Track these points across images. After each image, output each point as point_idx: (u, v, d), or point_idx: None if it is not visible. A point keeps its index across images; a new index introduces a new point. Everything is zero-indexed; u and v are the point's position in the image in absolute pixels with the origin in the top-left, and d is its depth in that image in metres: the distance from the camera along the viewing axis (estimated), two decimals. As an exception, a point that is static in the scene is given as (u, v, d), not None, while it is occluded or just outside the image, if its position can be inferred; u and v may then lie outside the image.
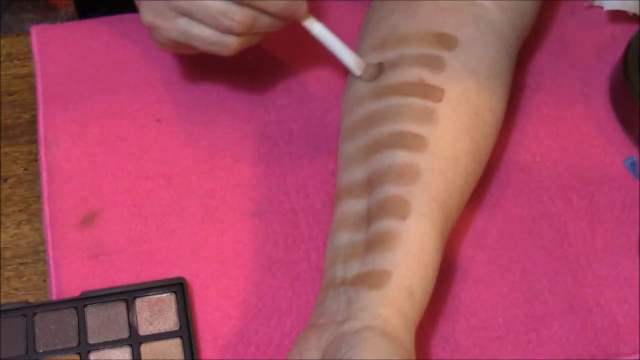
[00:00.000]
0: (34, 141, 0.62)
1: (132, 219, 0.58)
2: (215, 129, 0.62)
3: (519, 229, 0.59)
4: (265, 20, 0.52)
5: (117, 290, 0.54)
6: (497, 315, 0.56)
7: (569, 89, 0.65)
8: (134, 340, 0.53)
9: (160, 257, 0.57)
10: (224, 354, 0.54)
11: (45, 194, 0.59)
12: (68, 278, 0.56)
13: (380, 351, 0.44)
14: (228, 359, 0.54)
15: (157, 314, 0.54)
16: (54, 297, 0.55)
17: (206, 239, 0.58)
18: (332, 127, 0.62)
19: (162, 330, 0.54)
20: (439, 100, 0.52)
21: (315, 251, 0.58)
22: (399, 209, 0.50)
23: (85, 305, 0.54)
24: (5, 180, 0.60)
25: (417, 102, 0.52)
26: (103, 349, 0.53)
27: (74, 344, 0.53)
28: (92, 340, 0.53)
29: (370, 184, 0.52)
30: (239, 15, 0.50)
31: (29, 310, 0.53)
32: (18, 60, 0.65)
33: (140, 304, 0.54)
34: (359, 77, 0.55)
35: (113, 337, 0.53)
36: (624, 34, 0.67)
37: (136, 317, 0.54)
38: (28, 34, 0.66)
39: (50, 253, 0.57)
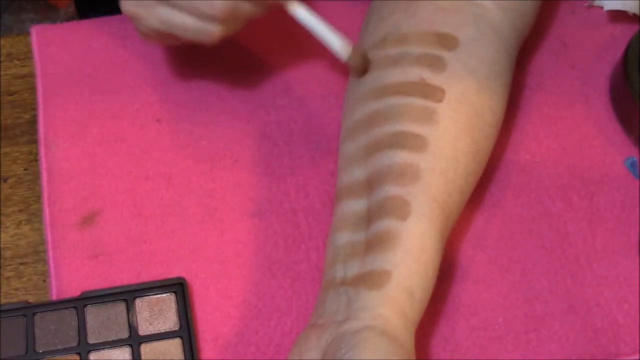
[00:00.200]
0: (34, 141, 0.62)
1: (132, 219, 0.58)
2: (215, 129, 0.62)
3: (519, 229, 0.59)
4: (246, 6, 0.51)
5: (117, 290, 0.54)
6: (497, 315, 0.56)
7: (569, 89, 0.65)
8: (134, 340, 0.53)
9: (160, 257, 0.57)
10: (224, 354, 0.54)
11: (45, 194, 0.59)
12: (68, 278, 0.56)
13: (380, 351, 0.44)
14: (228, 359, 0.54)
15: (157, 314, 0.54)
16: (54, 297, 0.55)
17: (206, 239, 0.58)
18: (332, 127, 0.62)
19: (162, 330, 0.54)
20: (440, 100, 0.52)
21: (315, 251, 0.58)
22: (399, 209, 0.50)
23: (85, 305, 0.54)
24: (5, 180, 0.60)
25: (418, 102, 0.52)
26: (103, 349, 0.53)
27: (74, 344, 0.53)
28: (92, 340, 0.53)
29: (371, 184, 0.52)
30: (219, 3, 0.50)
31: (29, 310, 0.53)
32: (18, 60, 0.65)
33: (140, 304, 0.54)
34: (346, 62, 0.54)
35: (113, 337, 0.53)
36: (624, 34, 0.67)
37: (136, 317, 0.54)
38: (28, 34, 0.66)
39: (50, 253, 0.57)
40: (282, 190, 0.60)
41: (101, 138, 0.61)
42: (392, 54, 0.55)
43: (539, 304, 0.56)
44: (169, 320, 0.54)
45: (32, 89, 0.64)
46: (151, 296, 0.54)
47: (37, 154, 0.61)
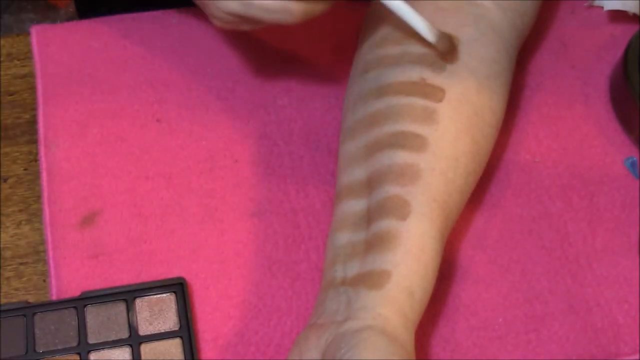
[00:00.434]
0: (34, 141, 0.62)
1: (132, 219, 0.58)
2: (215, 129, 0.62)
3: (519, 229, 0.59)
4: None
5: (117, 290, 0.54)
6: (497, 315, 0.56)
7: (569, 89, 0.65)
8: (134, 340, 0.53)
9: (160, 257, 0.57)
10: (224, 354, 0.54)
11: (45, 194, 0.59)
12: (68, 278, 0.56)
13: (380, 351, 0.44)
14: (228, 359, 0.54)
15: (157, 314, 0.54)
16: (54, 297, 0.55)
17: (206, 239, 0.58)
18: (332, 127, 0.62)
19: (162, 330, 0.54)
20: (440, 100, 0.52)
21: (315, 251, 0.58)
22: (399, 209, 0.50)
23: (85, 305, 0.54)
24: (5, 180, 0.60)
25: (418, 102, 0.52)
26: (103, 349, 0.53)
27: (74, 344, 0.53)
28: (92, 340, 0.53)
29: (371, 184, 0.52)
30: None
31: (29, 310, 0.53)
32: (18, 60, 0.65)
33: (140, 304, 0.54)
34: (434, 46, 0.53)
35: (113, 337, 0.53)
36: (624, 34, 0.67)
37: (136, 317, 0.54)
38: (28, 34, 0.65)
39: (50, 253, 0.57)
40: (282, 190, 0.60)
41: (101, 138, 0.61)
42: (392, 53, 0.55)
43: (539, 304, 0.56)
44: (169, 320, 0.54)
45: (32, 89, 0.64)
46: (151, 296, 0.54)
47: (37, 154, 0.61)
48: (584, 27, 0.68)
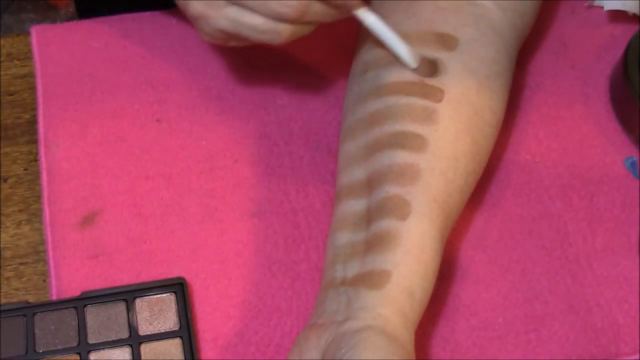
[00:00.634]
0: (34, 141, 0.62)
1: (132, 219, 0.58)
2: (215, 129, 0.62)
3: (519, 229, 0.59)
4: (318, 8, 0.50)
5: (117, 290, 0.54)
6: (497, 315, 0.56)
7: (569, 89, 0.65)
8: (134, 340, 0.53)
9: (160, 257, 0.57)
10: (224, 354, 0.54)
11: (45, 194, 0.59)
12: (68, 278, 0.56)
13: (380, 351, 0.44)
14: (228, 359, 0.54)
15: (157, 314, 0.54)
16: (54, 297, 0.55)
17: (206, 239, 0.58)
18: (332, 127, 0.62)
19: (162, 330, 0.54)
20: (440, 100, 0.52)
21: (315, 251, 0.58)
22: (399, 209, 0.50)
23: (85, 305, 0.54)
24: (5, 180, 0.60)
25: (418, 102, 0.52)
26: (103, 349, 0.53)
27: (74, 344, 0.53)
28: (92, 340, 0.53)
29: (371, 184, 0.52)
30: (293, 2, 0.48)
31: (29, 310, 0.53)
32: (18, 60, 0.65)
33: (140, 304, 0.54)
34: (415, 70, 0.53)
35: (113, 337, 0.53)
36: (624, 34, 0.67)
37: (136, 317, 0.54)
38: (28, 34, 0.65)
39: (50, 253, 0.57)
40: (282, 190, 0.60)
41: (101, 138, 0.61)
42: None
43: (539, 304, 0.56)
44: (169, 320, 0.54)
45: (32, 89, 0.64)
46: (151, 296, 0.54)
47: (37, 154, 0.61)
48: (584, 27, 0.68)
